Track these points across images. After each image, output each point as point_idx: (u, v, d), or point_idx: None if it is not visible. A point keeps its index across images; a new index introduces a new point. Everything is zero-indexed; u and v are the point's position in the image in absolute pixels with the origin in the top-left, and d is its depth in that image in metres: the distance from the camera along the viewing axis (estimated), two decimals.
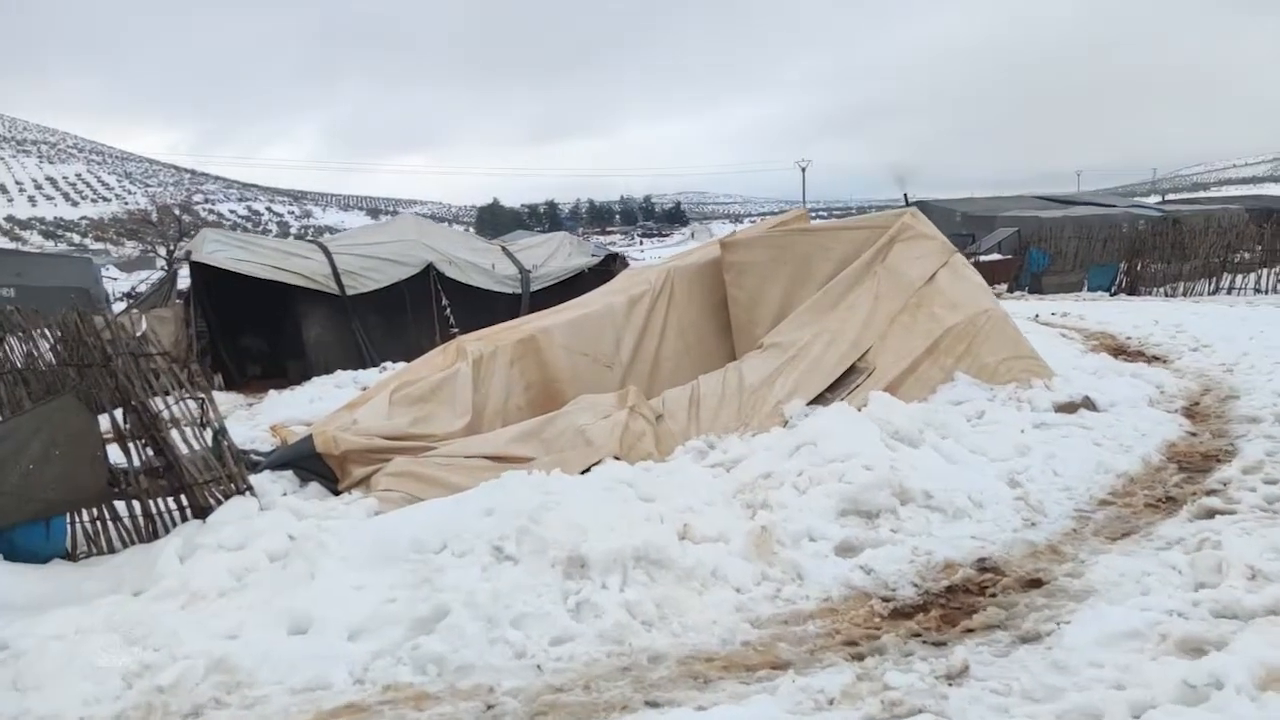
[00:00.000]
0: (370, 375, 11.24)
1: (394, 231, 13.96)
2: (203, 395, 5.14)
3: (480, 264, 13.66)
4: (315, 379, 11.66)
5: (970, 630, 3.61)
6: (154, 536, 4.99)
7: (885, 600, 3.95)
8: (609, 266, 14.54)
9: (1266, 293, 18.31)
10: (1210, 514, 4.60)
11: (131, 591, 4.29)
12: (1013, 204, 28.46)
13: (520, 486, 4.38)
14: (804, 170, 74.34)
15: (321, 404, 9.96)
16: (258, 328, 13.57)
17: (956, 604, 3.91)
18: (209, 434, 5.17)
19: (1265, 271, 19.14)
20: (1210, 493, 5.02)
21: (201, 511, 5.13)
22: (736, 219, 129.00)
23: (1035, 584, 4.02)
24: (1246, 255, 20.13)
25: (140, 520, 5.03)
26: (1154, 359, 10.09)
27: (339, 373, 11.51)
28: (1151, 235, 21.27)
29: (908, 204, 32.35)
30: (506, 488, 4.40)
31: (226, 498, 5.18)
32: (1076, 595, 3.79)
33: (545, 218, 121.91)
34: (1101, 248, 22.34)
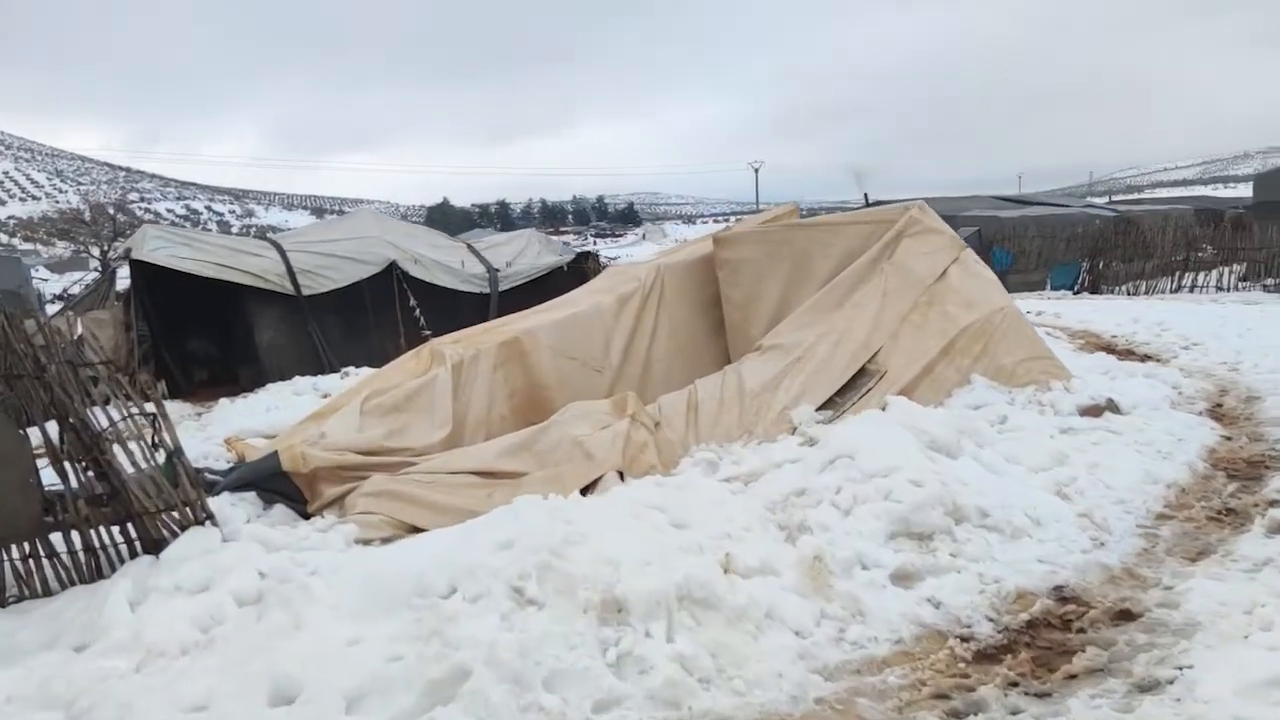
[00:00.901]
0: (332, 382, 10.50)
1: (352, 228, 13.18)
2: (154, 410, 4.45)
3: (446, 262, 12.97)
4: (270, 385, 10.87)
5: (1073, 676, 3.14)
6: (98, 576, 4.29)
7: (963, 640, 3.46)
8: (582, 265, 13.94)
9: (1229, 290, 18.42)
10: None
11: (73, 646, 3.62)
12: (971, 204, 28.49)
13: (537, 514, 3.80)
14: (757, 171, 74.41)
15: (279, 413, 9.22)
16: (205, 331, 12.70)
17: (1044, 642, 3.44)
18: (161, 454, 4.48)
19: (1226, 269, 19.27)
20: (1272, 504, 4.65)
21: (154, 545, 4.44)
22: (689, 220, 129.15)
23: (1126, 616, 3.57)
24: (1207, 252, 20.28)
25: (81, 556, 4.33)
26: (1146, 358, 9.84)
27: (297, 379, 10.74)
28: (1113, 234, 21.33)
29: (868, 204, 32.25)
30: (521, 516, 3.81)
31: (183, 528, 4.50)
32: (1181, 630, 3.34)
33: (497, 217, 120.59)
34: (1064, 247, 22.37)
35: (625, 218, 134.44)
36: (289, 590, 3.52)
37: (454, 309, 12.68)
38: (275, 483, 5.84)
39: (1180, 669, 3.00)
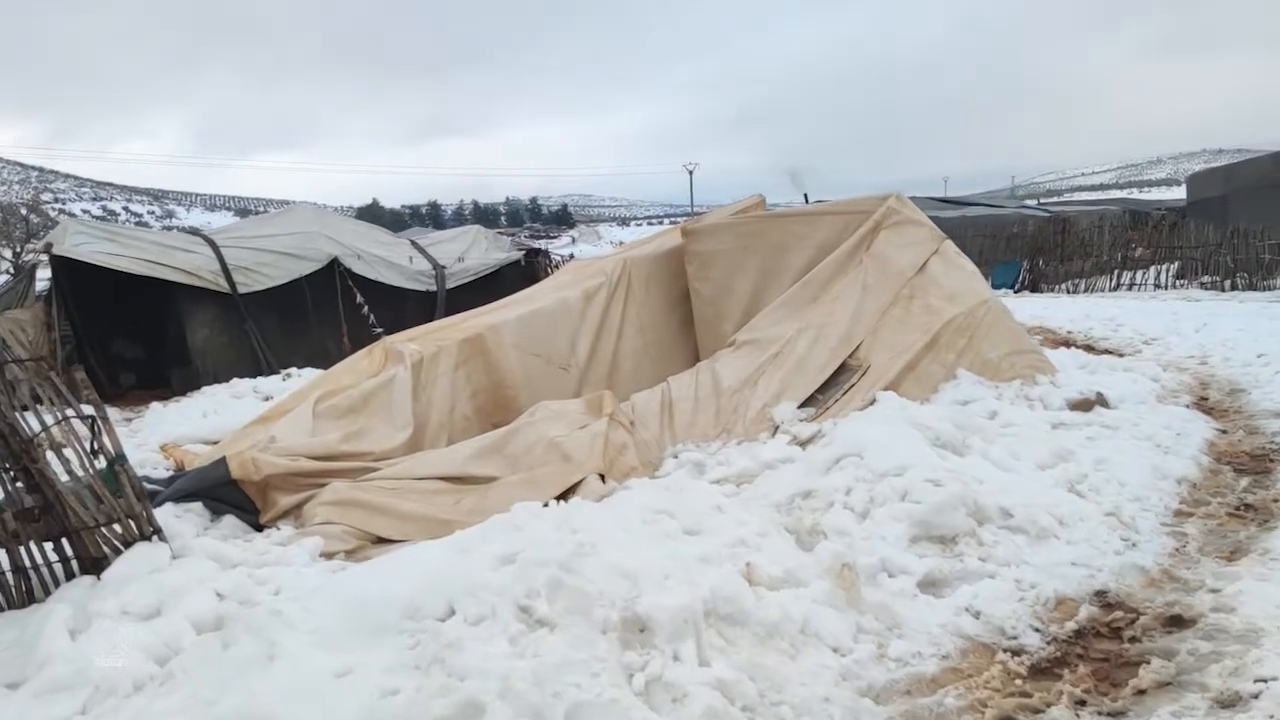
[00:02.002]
0: (273, 384, 9.88)
1: (290, 223, 12.49)
2: (92, 412, 3.93)
3: (390, 259, 12.39)
4: (205, 389, 10.18)
5: (1142, 691, 2.88)
6: (30, 600, 3.76)
7: (1013, 653, 3.18)
8: (532, 262, 13.49)
9: (1167, 288, 18.84)
10: None
11: (5, 683, 3.11)
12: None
13: (539, 524, 3.40)
14: (691, 173, 74.50)
15: (218, 418, 8.59)
16: (132, 331, 11.90)
17: (1099, 654, 3.18)
18: (101, 461, 3.96)
19: (1162, 268, 19.71)
20: None
21: (94, 564, 3.92)
22: (624, 222, 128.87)
23: (1178, 622, 3.33)
24: (1142, 251, 20.74)
25: (9, 578, 3.79)
26: (1107, 353, 9.83)
27: (236, 381, 10.08)
28: (1053, 234, 21.70)
29: (808, 203, 32.36)
30: (521, 526, 3.41)
31: (127, 544, 3.98)
32: (1244, 637, 3.11)
33: (428, 219, 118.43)
34: (1005, 246, 22.68)
35: (559, 219, 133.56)
36: (259, 615, 3.06)
37: (399, 307, 12.13)
38: (224, 492, 5.31)
39: (1263, 681, 2.76)
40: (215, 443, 7.96)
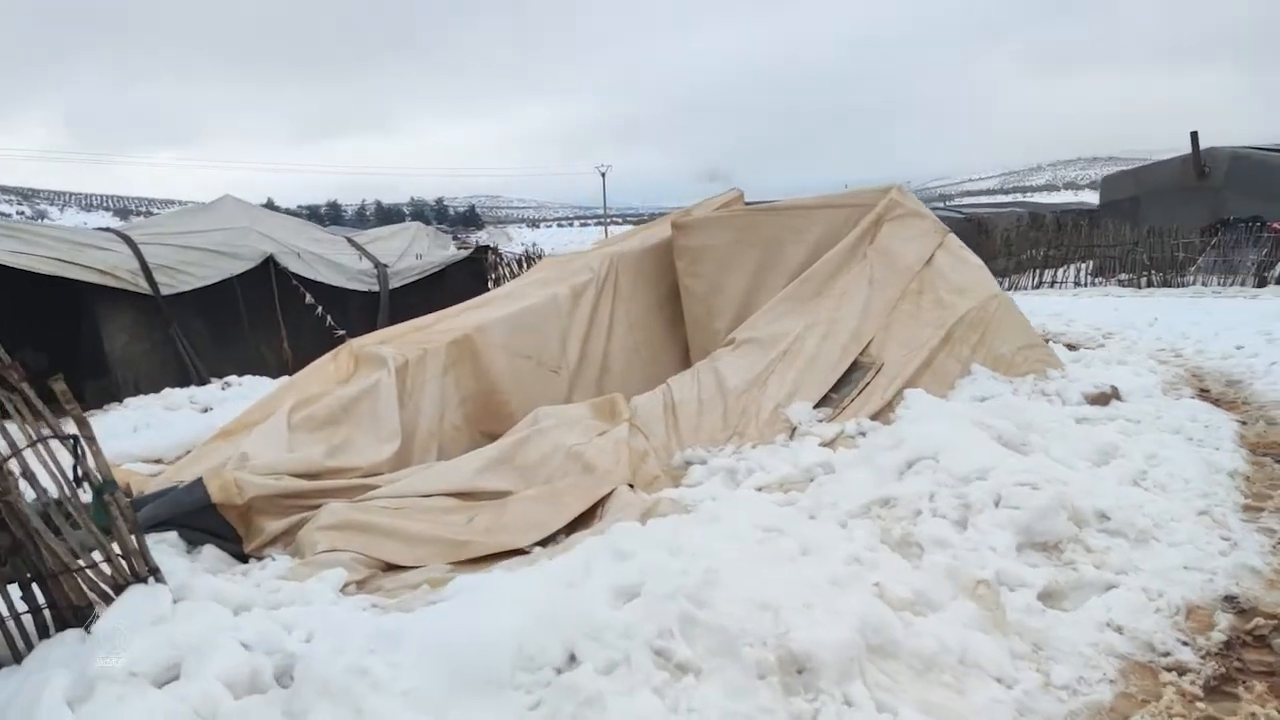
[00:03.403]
0: (211, 394, 9.04)
1: (217, 217, 11.52)
2: (75, 431, 3.28)
3: (330, 257, 11.59)
4: (130, 401, 9.24)
5: None
6: (14, 659, 3.10)
7: (1177, 672, 2.91)
8: (480, 260, 12.86)
9: (1086, 285, 19.47)
10: None
11: None
12: None
13: (650, 549, 2.95)
14: (604, 175, 74.08)
15: (153, 434, 7.75)
16: (38, 338, 10.74)
17: (1261, 666, 2.95)
18: (85, 490, 3.32)
19: (1079, 266, 20.38)
20: None
21: (76, 614, 3.26)
22: (534, 223, 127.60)
23: None
24: (1059, 250, 21.41)
25: None
26: (1070, 347, 9.91)
27: (169, 392, 9.18)
28: (976, 234, 22.20)
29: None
30: (628, 552, 2.95)
31: (118, 588, 3.34)
32: None
33: (327, 219, 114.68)
34: None
35: (466, 220, 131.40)
36: (334, 674, 2.53)
37: (341, 309, 11.35)
38: (203, 518, 4.66)
39: None
40: (157, 461, 7.19)
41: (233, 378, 9.55)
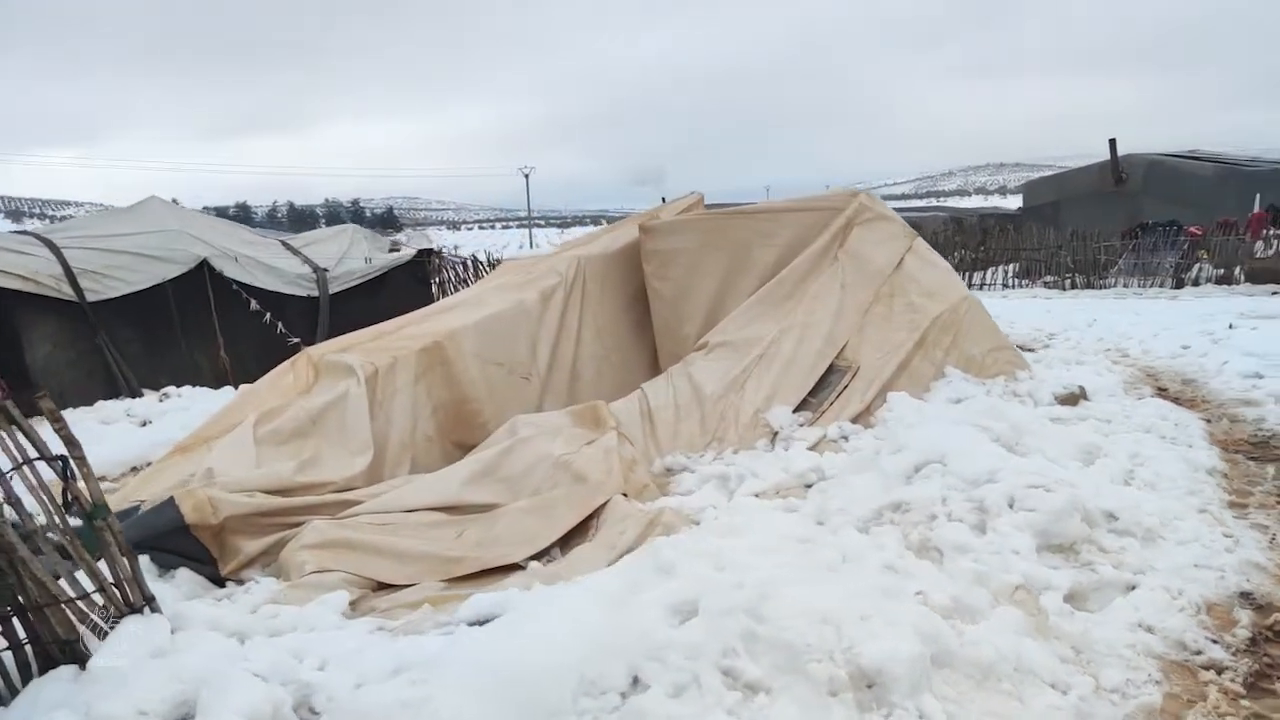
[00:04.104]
0: (149, 406, 8.57)
1: (144, 220, 10.93)
2: (64, 452, 3.01)
3: (266, 261, 11.13)
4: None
5: None
6: None
7: (1215, 670, 2.95)
8: (423, 263, 12.53)
9: (1013, 287, 20.10)
10: None
11: None
12: None
13: (696, 563, 2.85)
14: (528, 177, 73.47)
15: (89, 449, 7.25)
16: None
17: None
18: (73, 514, 3.06)
19: (1007, 268, 21.02)
20: None
21: (64, 649, 3.00)
22: (454, 225, 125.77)
23: None
24: (982, 253, 22.05)
25: None
26: (1021, 349, 10.16)
27: (102, 405, 8.67)
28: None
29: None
30: (672, 567, 2.84)
31: (109, 621, 3.09)
32: None
33: (237, 221, 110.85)
34: None
35: (384, 222, 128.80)
36: (385, 708, 2.35)
37: (278, 315, 10.88)
38: (175, 541, 4.37)
39: None
40: (100, 479, 6.75)
41: (170, 389, 9.07)
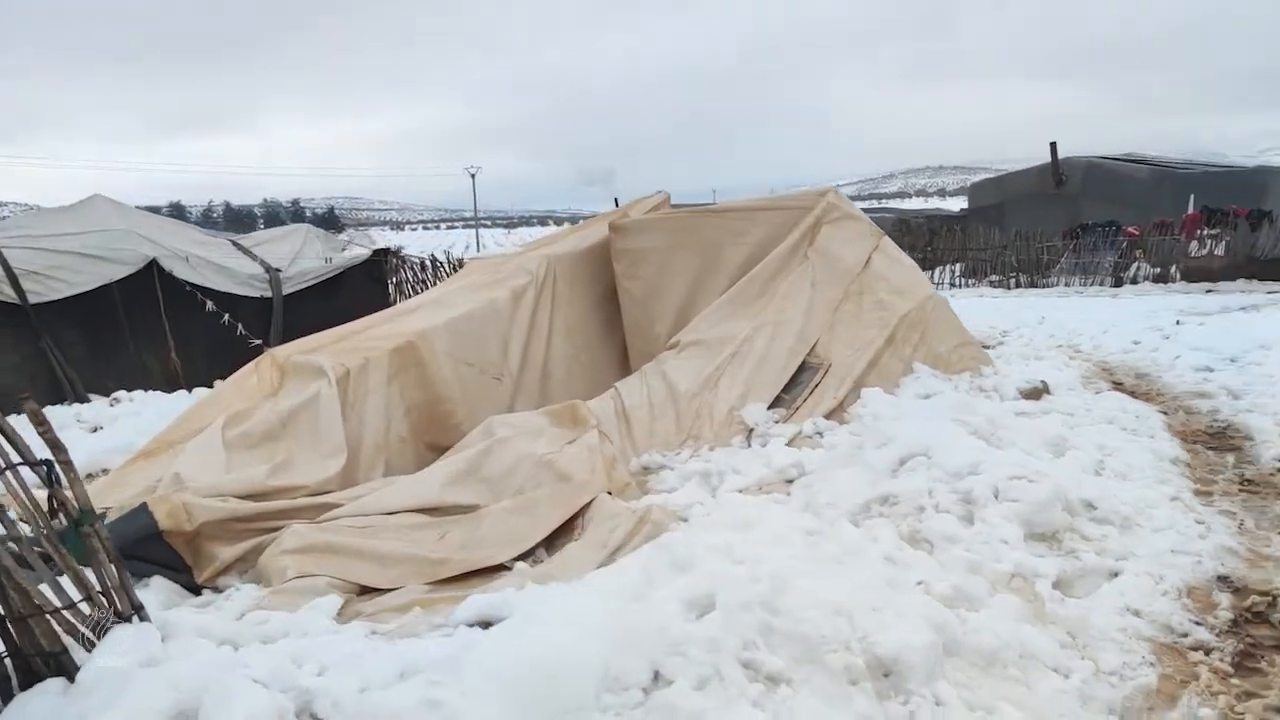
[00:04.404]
0: (99, 411, 8.30)
1: (88, 219, 10.56)
2: (49, 456, 2.90)
3: (217, 261, 10.85)
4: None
5: None
6: None
7: (1203, 651, 3.05)
8: (380, 263, 12.34)
9: (959, 286, 20.54)
10: None
11: None
12: None
13: (710, 557, 2.86)
14: (474, 177, 72.79)
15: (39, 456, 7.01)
16: None
17: (1272, 641, 3.13)
18: (60, 520, 2.95)
19: (954, 268, 21.48)
20: (1278, 472, 4.83)
21: (48, 662, 2.89)
22: (398, 226, 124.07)
23: None
24: (925, 255, 22.50)
25: None
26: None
27: (50, 410, 8.34)
28: None
29: (618, 207, 32.39)
30: (687, 562, 2.84)
31: (98, 631, 2.98)
32: None
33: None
34: None
35: (326, 223, 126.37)
36: (404, 710, 2.32)
37: (230, 316, 10.62)
38: (148, 548, 4.24)
39: None
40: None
41: (121, 393, 8.79)
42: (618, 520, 4.44)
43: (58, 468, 2.94)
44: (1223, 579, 3.58)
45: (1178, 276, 17.62)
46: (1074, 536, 3.80)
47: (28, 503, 2.89)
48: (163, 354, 9.97)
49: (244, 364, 9.32)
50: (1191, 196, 20.11)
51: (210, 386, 10.23)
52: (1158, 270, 18.05)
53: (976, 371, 6.68)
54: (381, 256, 12.20)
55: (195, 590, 4.31)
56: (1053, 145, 22.69)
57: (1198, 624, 3.24)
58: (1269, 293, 14.86)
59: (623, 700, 2.36)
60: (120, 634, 2.97)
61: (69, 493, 2.94)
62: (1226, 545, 3.85)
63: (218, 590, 4.34)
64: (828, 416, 6.08)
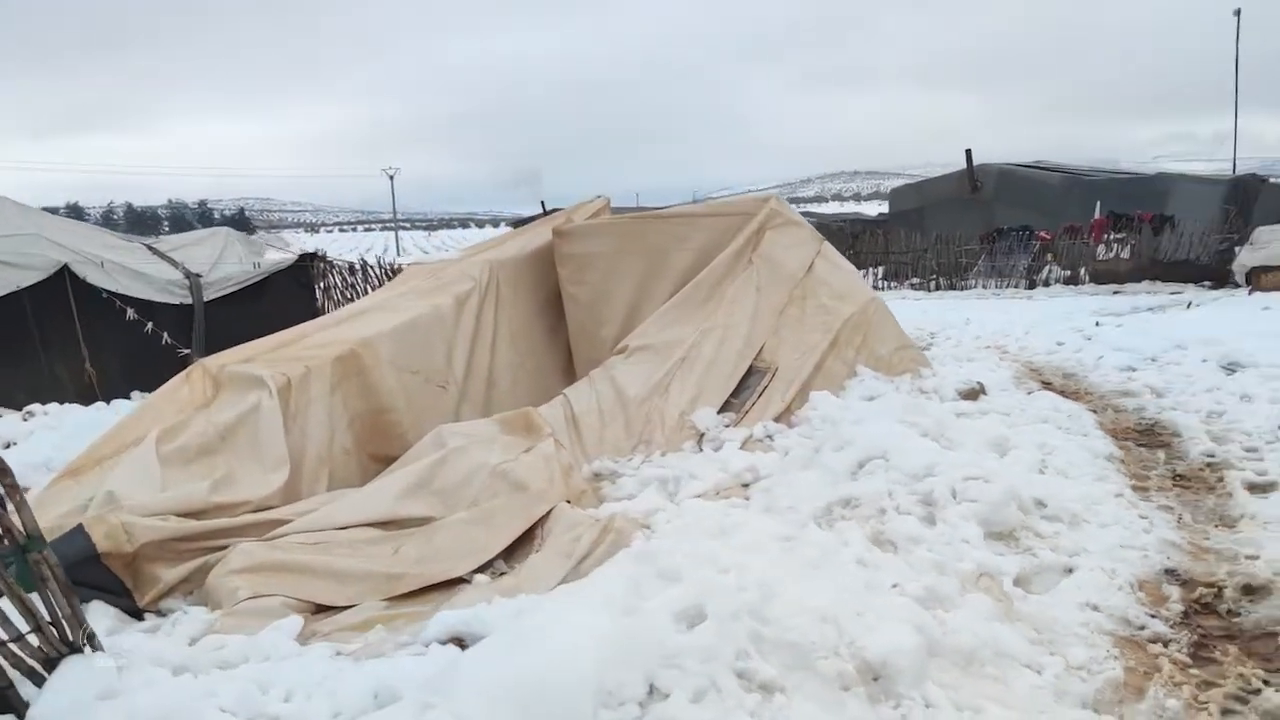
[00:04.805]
0: (12, 426, 7.85)
1: None
2: None
3: (134, 267, 10.38)
4: None
5: None
6: None
7: (1161, 643, 3.18)
8: (307, 268, 11.99)
9: (882, 290, 21.03)
10: (1253, 488, 4.59)
11: None
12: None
13: (689, 563, 2.84)
14: (392, 178, 71.46)
15: None
16: None
17: (1221, 631, 3.28)
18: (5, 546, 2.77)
19: (877, 271, 21.99)
20: (1209, 467, 5.08)
21: None
22: (312, 228, 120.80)
23: (1252, 590, 3.53)
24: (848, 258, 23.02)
25: None
26: None
27: None
28: None
29: (545, 212, 32.18)
30: (666, 568, 2.82)
31: (47, 664, 2.81)
32: None
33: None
34: None
35: (236, 225, 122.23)
36: None
37: (144, 324, 10.16)
38: (86, 571, 4.01)
39: None
40: None
41: (35, 406, 8.33)
42: (580, 530, 4.41)
43: (2, 491, 2.76)
44: (1170, 572, 3.74)
45: (1087, 279, 18.40)
46: (1029, 534, 3.92)
47: None
48: (75, 364, 9.49)
49: (164, 374, 8.98)
50: (1098, 202, 21.06)
51: (128, 398, 9.81)
52: (1068, 273, 18.82)
53: (916, 373, 6.84)
54: (308, 261, 11.85)
55: (137, 615, 4.11)
56: (968, 152, 23.48)
57: (1152, 616, 3.37)
58: (1172, 293, 15.67)
59: (619, 715, 2.33)
60: (72, 665, 2.82)
61: (14, 518, 2.77)
62: (1169, 539, 4.03)
63: (161, 614, 4.16)
64: (776, 419, 6.15)
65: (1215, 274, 16.48)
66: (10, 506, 2.74)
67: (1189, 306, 12.41)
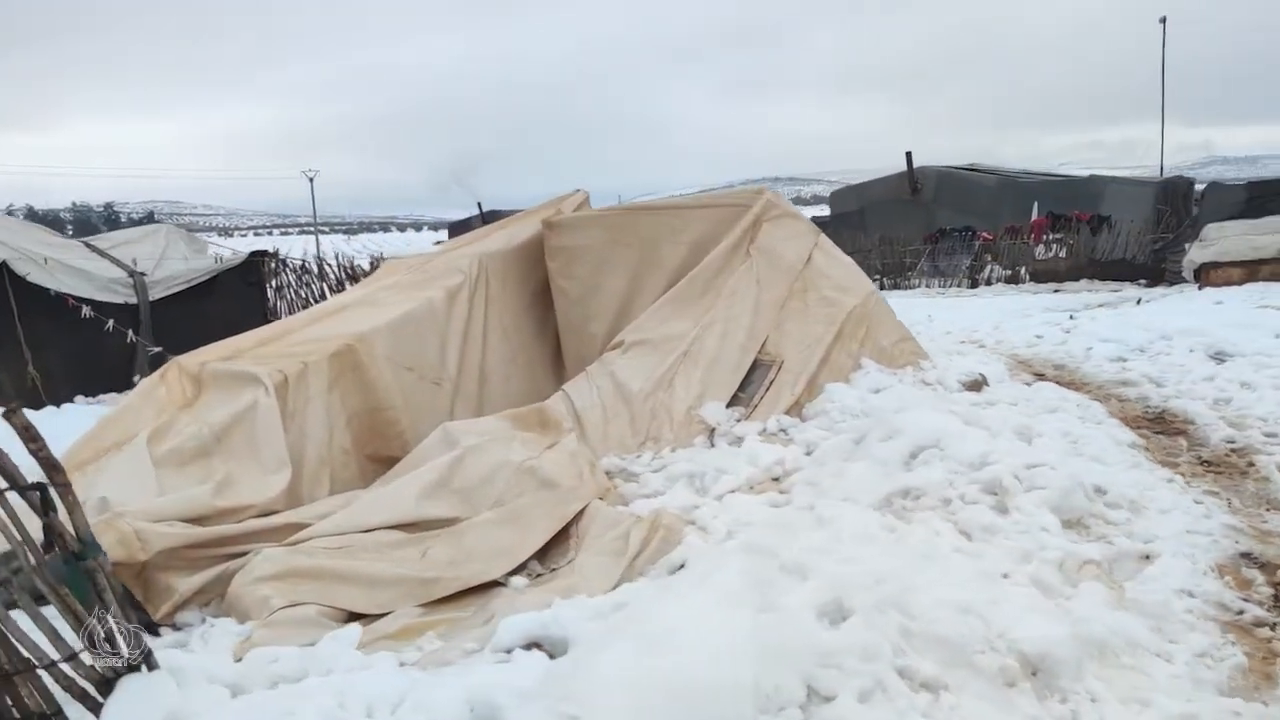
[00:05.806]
0: None
1: None
2: (42, 478, 2.37)
3: (75, 264, 9.73)
4: None
5: None
6: None
7: (1267, 626, 3.13)
8: (258, 265, 11.42)
9: None
10: None
11: None
12: None
13: (814, 558, 2.66)
14: (312, 180, 69.40)
15: None
16: None
17: None
18: (57, 553, 2.44)
19: None
20: (1234, 452, 5.13)
21: None
22: (226, 232, 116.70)
23: None
24: None
25: None
26: None
27: None
28: None
29: (481, 211, 31.62)
30: (790, 562, 2.64)
31: (102, 685, 2.48)
32: None
33: None
34: None
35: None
36: None
37: (90, 324, 9.52)
38: None
39: None
40: None
41: None
42: (624, 527, 4.19)
43: (53, 492, 2.42)
44: (1245, 555, 3.71)
45: (1027, 278, 18.88)
46: (1098, 522, 3.85)
47: (17, 534, 2.36)
48: (17, 365, 8.82)
49: (110, 376, 8.41)
50: (1035, 203, 21.68)
51: (73, 401, 9.18)
52: (1009, 272, 19.29)
53: (917, 365, 6.80)
54: (259, 259, 11.28)
55: (152, 629, 3.73)
56: (908, 155, 23.98)
57: (1246, 601, 3.32)
58: (1112, 290, 16.16)
59: (780, 718, 2.13)
60: (131, 685, 2.48)
61: (66, 521, 2.43)
62: (1230, 524, 4.01)
63: (177, 628, 3.79)
64: (786, 413, 6.02)
65: (1150, 272, 17.07)
66: (62, 508, 2.39)
67: (1139, 303, 12.78)
